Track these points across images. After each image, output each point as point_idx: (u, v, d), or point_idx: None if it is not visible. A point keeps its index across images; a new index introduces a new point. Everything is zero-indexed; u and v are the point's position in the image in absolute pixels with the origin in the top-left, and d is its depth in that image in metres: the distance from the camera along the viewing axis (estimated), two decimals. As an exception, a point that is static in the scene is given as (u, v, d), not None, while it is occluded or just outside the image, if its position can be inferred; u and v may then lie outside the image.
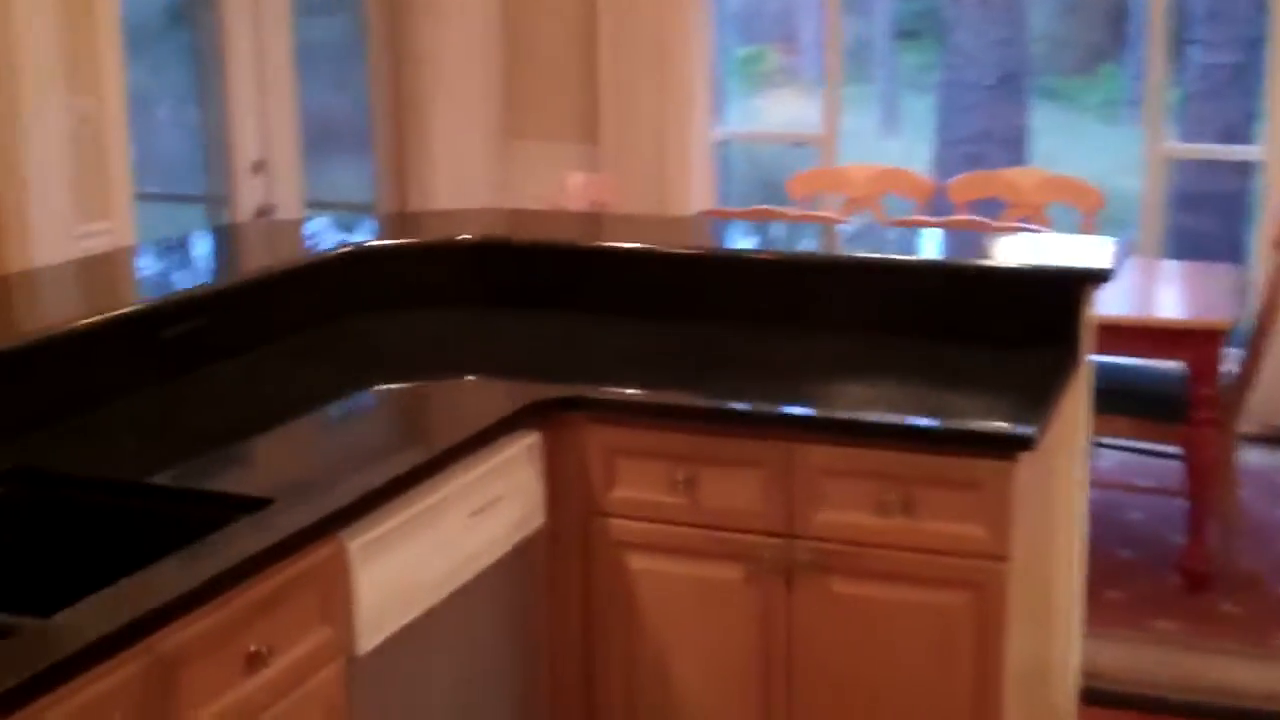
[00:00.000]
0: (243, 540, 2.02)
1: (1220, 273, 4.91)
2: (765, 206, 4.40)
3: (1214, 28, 8.49)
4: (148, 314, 2.73)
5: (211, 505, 2.16)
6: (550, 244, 3.43)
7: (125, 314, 2.69)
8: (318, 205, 6.50)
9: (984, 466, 2.50)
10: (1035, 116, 13.66)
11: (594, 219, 4.30)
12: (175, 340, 2.75)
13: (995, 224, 4.24)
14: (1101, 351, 3.25)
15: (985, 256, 3.31)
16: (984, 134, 9.10)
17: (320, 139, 6.74)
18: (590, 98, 6.31)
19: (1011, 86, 9.17)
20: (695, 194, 6.24)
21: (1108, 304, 3.35)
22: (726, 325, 3.21)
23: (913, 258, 3.34)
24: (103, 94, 4.51)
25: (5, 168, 4.24)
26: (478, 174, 6.25)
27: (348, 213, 6.56)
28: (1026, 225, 4.34)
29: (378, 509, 2.24)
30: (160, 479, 2.31)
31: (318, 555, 2.10)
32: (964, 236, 3.69)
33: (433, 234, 3.55)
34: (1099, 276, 3.04)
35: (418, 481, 2.33)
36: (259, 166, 5.43)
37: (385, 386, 2.97)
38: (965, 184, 5.33)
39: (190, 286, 2.95)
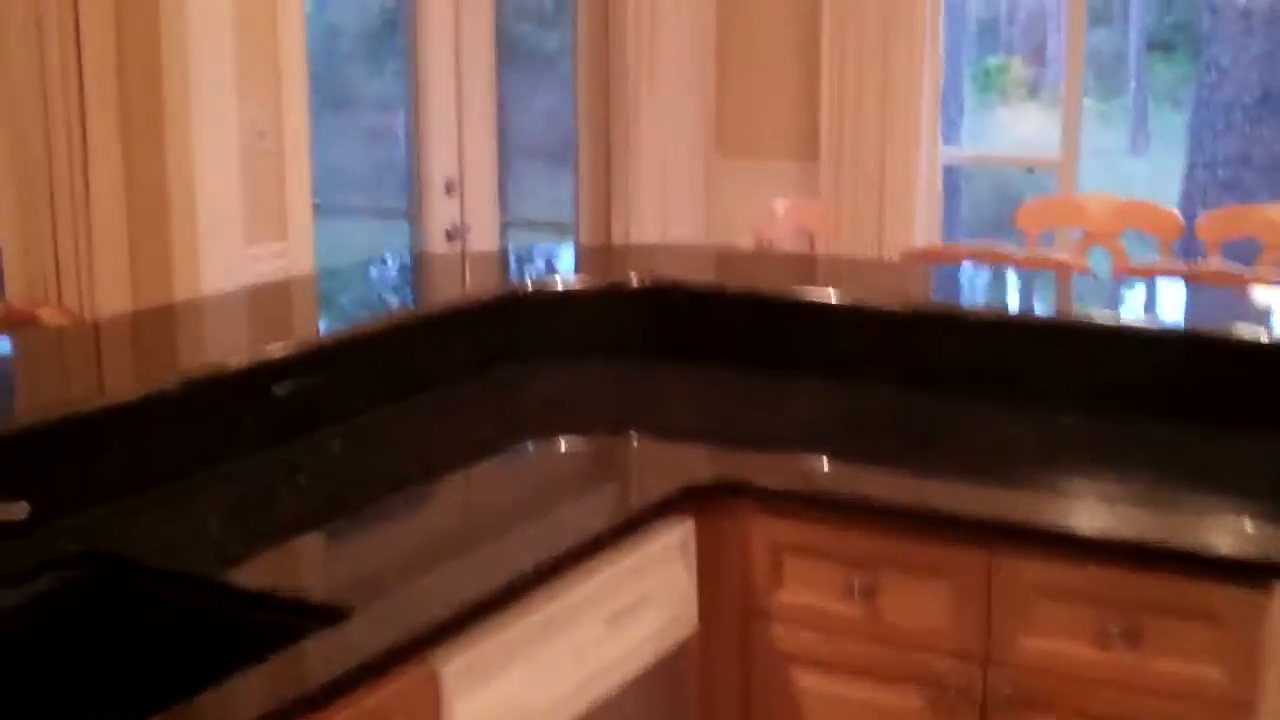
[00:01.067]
0: (311, 660, 1.69)
1: None
2: (990, 244, 3.93)
3: None
4: (255, 369, 2.42)
5: (283, 611, 1.83)
6: (729, 291, 3.05)
7: (229, 369, 2.39)
8: (517, 224, 6.25)
9: (1228, 596, 2.04)
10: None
11: (784, 262, 3.88)
12: (287, 398, 2.44)
13: (1253, 275, 3.70)
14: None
15: (1245, 319, 2.82)
16: (1241, 158, 8.39)
17: (526, 151, 6.49)
18: (810, 114, 5.90)
19: (1273, 107, 8.44)
20: (920, 220, 5.78)
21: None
22: (931, 393, 2.78)
23: (1156, 324, 2.86)
24: (282, 105, 4.28)
25: (176, 183, 4.03)
26: (686, 193, 5.89)
27: (542, 235, 6.28)
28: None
29: (479, 624, 1.88)
30: (239, 571, 1.99)
31: (400, 682, 1.76)
32: (1219, 294, 3.18)
33: (606, 274, 3.20)
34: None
35: (527, 591, 1.96)
36: (450, 186, 5.16)
37: (523, 447, 2.62)
38: (1217, 221, 4.76)
39: (308, 336, 2.64)
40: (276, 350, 2.47)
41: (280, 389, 2.41)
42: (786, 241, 4.72)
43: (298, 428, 2.48)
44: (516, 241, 6.54)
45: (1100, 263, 5.03)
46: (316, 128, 4.55)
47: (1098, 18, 17.85)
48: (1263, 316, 2.87)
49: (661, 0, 5.62)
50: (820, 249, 4.87)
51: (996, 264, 3.85)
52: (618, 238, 5.74)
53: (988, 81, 16.71)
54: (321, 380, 2.50)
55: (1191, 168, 8.82)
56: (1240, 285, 3.63)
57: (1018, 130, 13.84)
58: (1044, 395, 2.73)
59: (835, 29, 5.72)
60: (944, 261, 3.93)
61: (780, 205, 4.72)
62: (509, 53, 6.86)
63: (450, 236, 5.18)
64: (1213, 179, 8.53)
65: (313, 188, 4.46)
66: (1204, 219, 4.75)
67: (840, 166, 5.83)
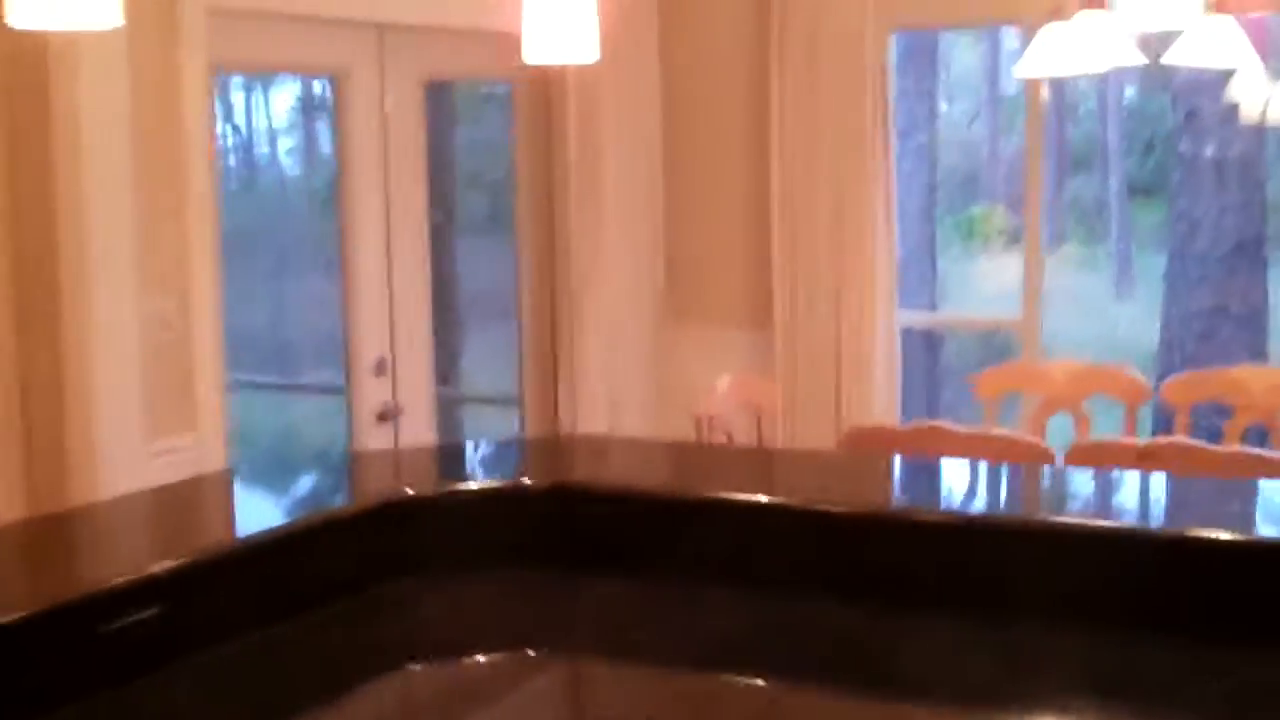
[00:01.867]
0: None
1: None
2: (936, 423, 3.69)
3: None
4: (86, 604, 2.16)
5: None
6: (638, 492, 2.79)
7: (56, 602, 2.13)
8: (459, 401, 6.02)
9: None
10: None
11: (707, 454, 3.62)
12: (124, 632, 2.18)
13: (1218, 450, 3.46)
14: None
15: (1201, 514, 2.57)
16: (1216, 310, 8.21)
17: (470, 318, 6.28)
18: (763, 282, 5.70)
19: (1247, 257, 8.28)
20: (879, 389, 5.55)
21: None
22: (862, 606, 2.52)
23: (1108, 521, 2.61)
24: (191, 291, 4.08)
25: (72, 382, 3.80)
26: (635, 362, 5.67)
27: (486, 411, 6.06)
28: (1247, 449, 3.53)
29: None
30: None
31: None
32: (1178, 484, 2.92)
33: (508, 475, 2.96)
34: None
35: None
36: (382, 365, 4.93)
37: (405, 676, 2.35)
38: (1183, 385, 4.54)
39: (158, 558, 2.38)
40: (113, 579, 2.22)
41: (113, 625, 2.15)
42: (731, 419, 4.49)
43: (138, 668, 2.21)
44: (462, 418, 6.31)
45: (1063, 429, 4.80)
46: (262, 295, 4.35)
47: (1080, 163, 17.88)
48: (1220, 511, 2.61)
49: (606, 165, 5.46)
50: (768, 426, 4.64)
51: (940, 447, 3.61)
52: (565, 410, 5.51)
53: (971, 230, 16.68)
54: (166, 610, 2.24)
55: (1168, 320, 8.64)
56: (1205, 461, 3.39)
57: (999, 279, 13.76)
58: (992, 610, 2.47)
59: (785, 196, 5.56)
60: (884, 444, 3.69)
61: (723, 381, 4.50)
62: (466, 218, 6.68)
63: (383, 417, 4.94)
64: (1188, 331, 8.34)
65: (248, 361, 4.25)
66: (1170, 383, 4.53)
67: (795, 335, 5.63)
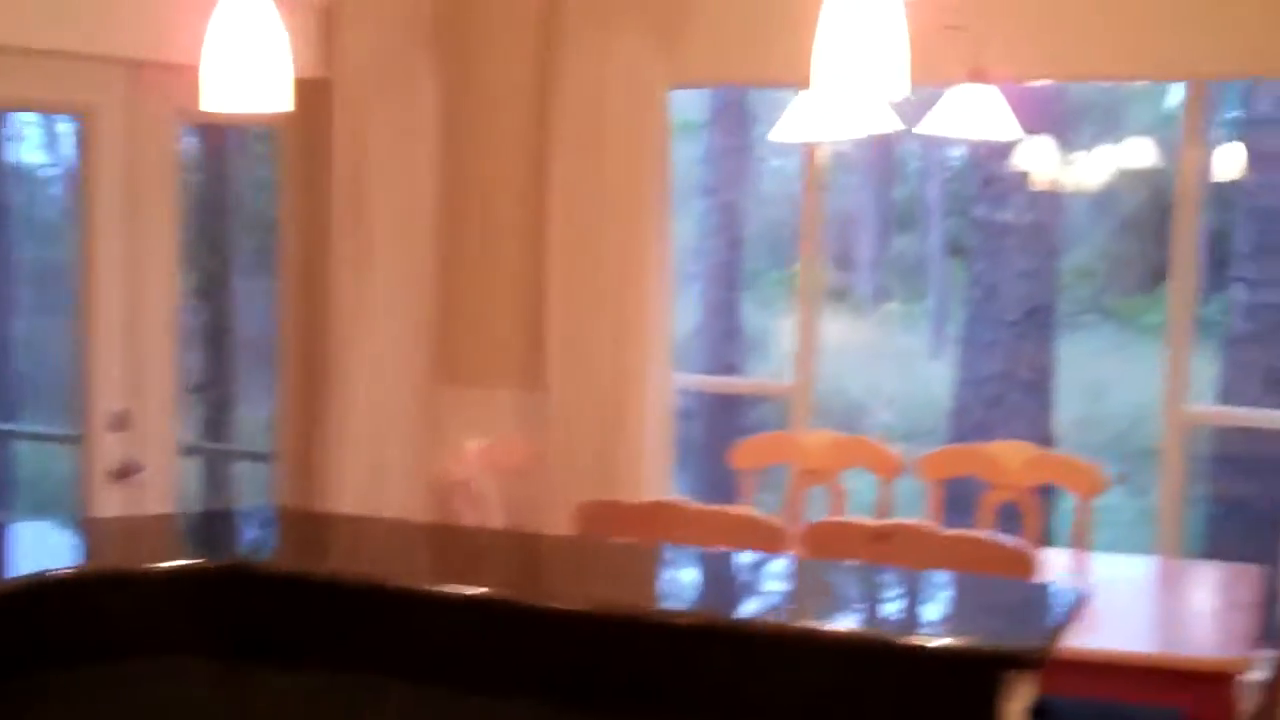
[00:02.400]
0: None
1: (1247, 580, 4.02)
2: (670, 500, 3.58)
3: (1262, 263, 7.67)
4: None
5: None
6: (316, 578, 2.62)
7: None
8: (225, 455, 5.78)
9: None
10: (1092, 338, 12.82)
11: (415, 535, 3.43)
12: None
13: (947, 533, 3.39)
14: (1076, 693, 2.42)
15: (876, 619, 2.47)
16: (1005, 375, 8.28)
17: (246, 367, 6.04)
18: (538, 342, 5.56)
19: (1038, 323, 8.36)
20: (650, 454, 5.42)
21: (1094, 631, 2.51)
22: (546, 703, 2.37)
23: (798, 624, 2.50)
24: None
25: None
26: (401, 421, 5.48)
27: (243, 464, 5.84)
28: (977, 533, 3.47)
29: None
30: None
31: None
32: (879, 575, 2.83)
33: (183, 552, 2.76)
34: (1023, 661, 2.20)
35: None
36: (121, 421, 4.68)
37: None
38: (940, 460, 4.50)
39: None
40: None
41: None
42: (483, 483, 4.34)
43: None
44: (229, 475, 6.05)
45: (819, 502, 4.74)
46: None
47: (904, 223, 18.14)
48: (891, 610, 2.52)
49: (375, 216, 5.28)
50: (523, 490, 4.50)
51: (672, 525, 3.50)
52: (325, 470, 5.30)
53: (795, 287, 16.75)
54: None
55: (961, 384, 8.69)
56: (936, 545, 3.32)
57: (823, 335, 13.83)
58: (673, 708, 2.34)
59: (563, 256, 5.42)
60: (616, 522, 3.56)
61: (474, 444, 4.35)
62: (248, 260, 6.43)
63: (121, 474, 4.69)
64: (978, 396, 8.40)
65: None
66: (927, 458, 4.49)
67: (568, 397, 5.48)
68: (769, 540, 3.48)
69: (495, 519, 4.33)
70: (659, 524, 3.53)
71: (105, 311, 4.62)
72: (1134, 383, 9.71)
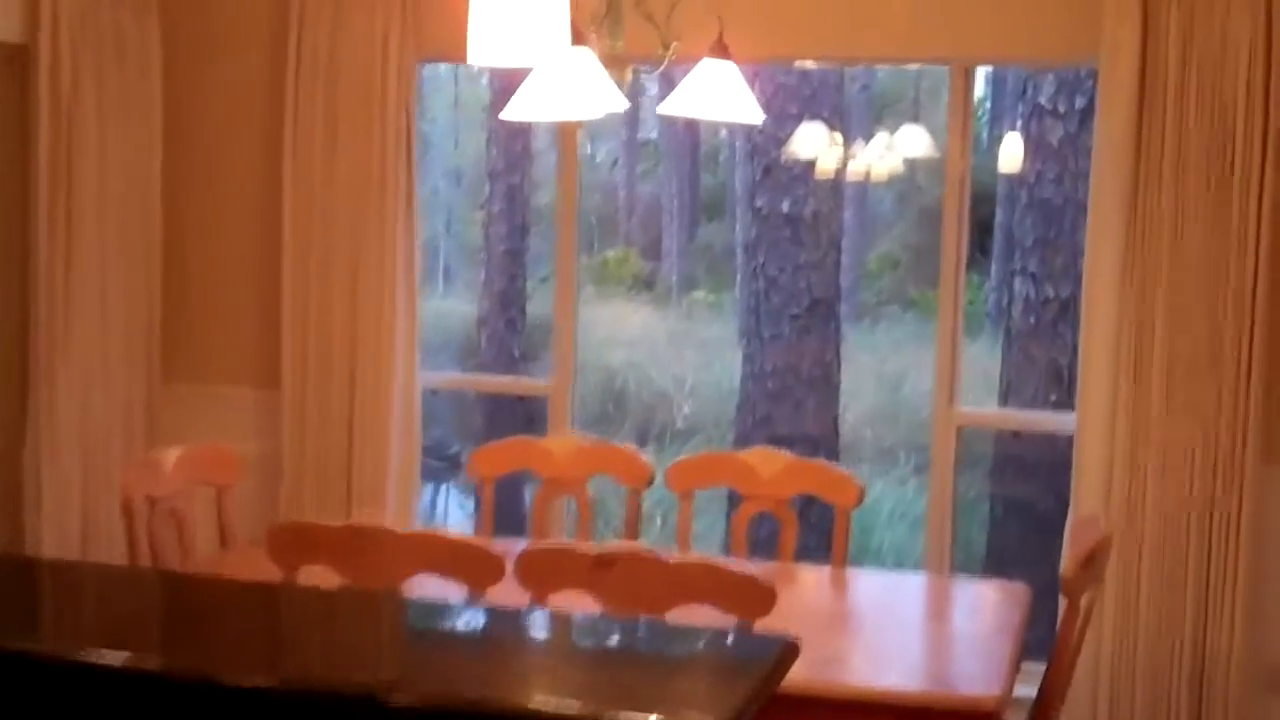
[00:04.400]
0: None
1: (1012, 600, 3.76)
2: (370, 523, 3.18)
3: (1043, 256, 7.54)
4: None
5: None
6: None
7: None
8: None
9: None
10: (894, 329, 12.71)
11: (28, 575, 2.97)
12: None
13: (676, 560, 3.05)
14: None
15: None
16: (789, 368, 8.04)
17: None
18: (273, 337, 5.11)
19: (820, 316, 8.13)
20: (395, 451, 5.02)
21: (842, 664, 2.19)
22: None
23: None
24: None
25: None
26: (120, 420, 4.99)
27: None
28: (703, 559, 3.13)
29: None
30: None
31: None
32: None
33: None
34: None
35: None
36: None
37: None
38: (689, 470, 4.18)
39: None
40: None
41: None
42: (179, 499, 3.89)
43: None
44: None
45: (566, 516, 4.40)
46: None
47: (712, 212, 17.95)
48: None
49: (85, 190, 4.78)
50: (230, 506, 4.06)
51: (374, 551, 3.11)
52: (33, 476, 4.78)
53: (605, 274, 16.50)
54: None
55: (746, 379, 8.43)
56: (661, 573, 2.98)
57: (630, 323, 13.54)
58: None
59: (298, 243, 4.99)
60: (310, 546, 3.16)
61: (170, 454, 3.90)
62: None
63: None
64: (762, 391, 8.15)
65: None
66: (673, 468, 4.16)
67: (306, 395, 5.05)
68: (481, 570, 3.11)
69: (195, 544, 3.88)
70: (358, 551, 3.13)
71: None
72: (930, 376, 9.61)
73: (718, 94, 3.40)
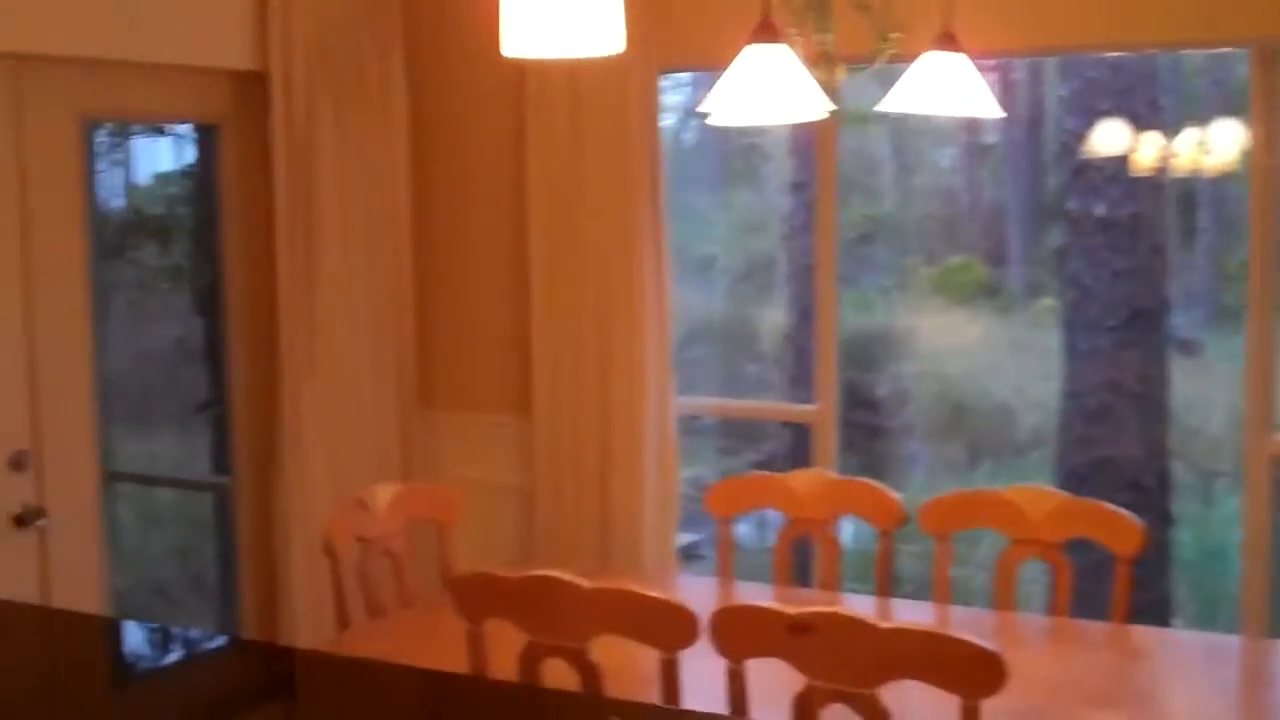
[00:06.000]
0: None
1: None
2: (553, 573, 2.88)
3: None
4: None
5: None
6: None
7: None
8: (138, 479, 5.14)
9: None
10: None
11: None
12: None
13: (889, 627, 2.64)
14: None
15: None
16: (1110, 385, 7.39)
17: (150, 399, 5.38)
18: (525, 362, 4.90)
19: (1142, 329, 7.46)
20: (650, 489, 4.72)
21: None
22: None
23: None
24: None
25: None
26: (372, 449, 4.85)
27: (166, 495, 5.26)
28: (913, 625, 2.70)
29: None
30: None
31: None
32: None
33: None
34: None
35: None
36: (20, 460, 4.13)
37: None
38: (944, 510, 3.73)
39: None
40: None
41: None
42: (394, 540, 3.69)
43: None
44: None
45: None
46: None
47: (1054, 215, 17.16)
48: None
49: (327, 226, 4.67)
50: (449, 545, 3.84)
51: (555, 605, 2.81)
52: (280, 495, 4.69)
53: (947, 281, 15.95)
54: None
55: (1064, 397, 7.81)
56: (867, 640, 2.58)
57: (968, 333, 12.97)
58: None
59: (546, 265, 4.76)
60: (490, 597, 2.89)
61: (384, 492, 3.70)
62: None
63: (21, 521, 4.13)
64: (1080, 409, 7.52)
65: None
66: (926, 507, 3.72)
67: (558, 422, 4.81)
68: (672, 631, 2.77)
69: (410, 586, 3.68)
70: (540, 604, 2.84)
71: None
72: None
73: (947, 87, 2.96)
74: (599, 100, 4.62)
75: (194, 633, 2.41)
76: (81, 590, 4.28)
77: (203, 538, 5.07)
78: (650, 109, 4.61)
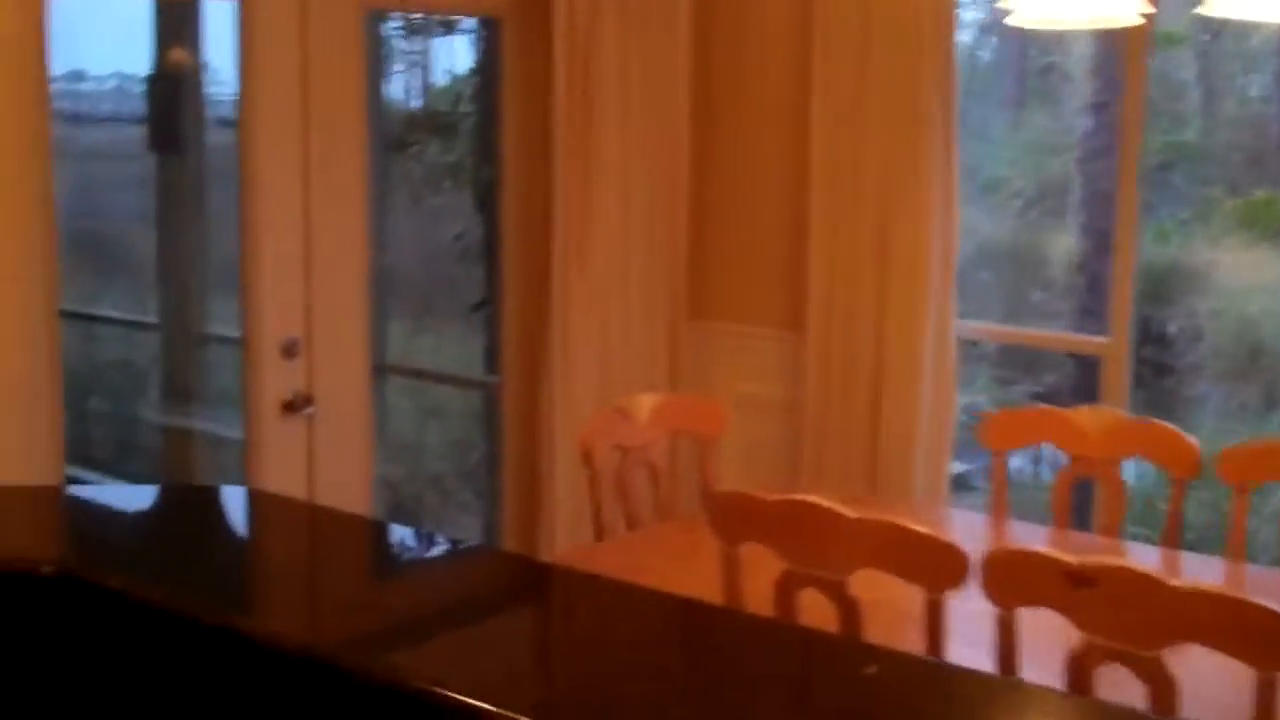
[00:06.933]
0: None
1: None
2: (812, 498, 2.72)
3: None
4: None
5: None
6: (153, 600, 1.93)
7: None
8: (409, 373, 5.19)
9: None
10: None
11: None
12: None
13: (1179, 586, 2.41)
14: None
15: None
16: None
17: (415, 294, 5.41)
18: (799, 277, 4.73)
19: None
20: (924, 406, 4.52)
21: None
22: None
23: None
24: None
25: None
26: (636, 355, 4.76)
27: (437, 388, 5.28)
28: (1202, 586, 2.45)
29: None
30: None
31: None
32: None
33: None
34: None
35: None
36: (292, 347, 4.17)
37: None
38: (1246, 459, 3.44)
39: None
40: None
41: None
42: (653, 450, 3.59)
43: None
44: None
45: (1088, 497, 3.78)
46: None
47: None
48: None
49: (607, 124, 4.57)
50: (711, 461, 3.72)
51: (814, 532, 2.66)
52: (546, 399, 4.65)
53: (1251, 215, 15.17)
54: None
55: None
56: (1147, 597, 2.36)
57: (1272, 272, 12.30)
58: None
59: (827, 179, 4.56)
60: (748, 518, 2.75)
61: (645, 402, 3.60)
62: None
63: (291, 408, 4.18)
64: None
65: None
66: (1225, 455, 3.43)
67: (830, 338, 4.65)
68: (939, 570, 2.60)
69: (673, 499, 3.58)
70: (800, 531, 2.70)
71: (275, 223, 4.10)
72: None
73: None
74: (890, 9, 4.38)
75: (442, 538, 2.35)
76: (348, 478, 4.32)
77: (473, 434, 5.09)
78: (945, 20, 4.35)
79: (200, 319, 4.93)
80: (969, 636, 2.61)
